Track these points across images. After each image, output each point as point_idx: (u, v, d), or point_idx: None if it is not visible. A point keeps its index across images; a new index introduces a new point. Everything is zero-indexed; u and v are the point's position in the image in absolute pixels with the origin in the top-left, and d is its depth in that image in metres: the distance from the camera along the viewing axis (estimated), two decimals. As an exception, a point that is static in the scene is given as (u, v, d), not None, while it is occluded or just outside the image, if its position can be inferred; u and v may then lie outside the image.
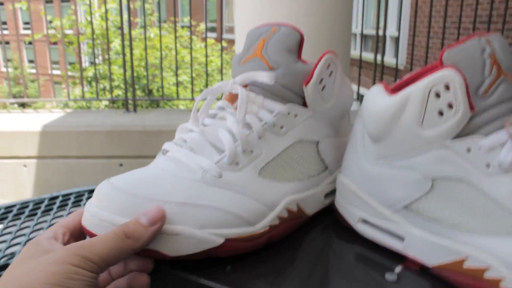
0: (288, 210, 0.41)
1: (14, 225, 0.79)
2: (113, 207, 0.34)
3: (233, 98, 0.42)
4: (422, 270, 0.37)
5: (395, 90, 0.40)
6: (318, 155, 0.45)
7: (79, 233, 0.37)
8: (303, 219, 0.44)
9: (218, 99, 0.44)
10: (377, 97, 0.39)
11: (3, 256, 0.68)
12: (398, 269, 0.37)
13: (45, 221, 0.80)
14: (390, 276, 0.36)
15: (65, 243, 0.35)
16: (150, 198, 0.35)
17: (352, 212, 0.42)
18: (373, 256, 0.39)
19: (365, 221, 0.41)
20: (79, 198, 0.90)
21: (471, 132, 0.34)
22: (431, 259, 0.36)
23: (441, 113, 0.34)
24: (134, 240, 0.32)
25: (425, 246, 0.36)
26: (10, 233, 0.76)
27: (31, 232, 0.76)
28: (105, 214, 0.34)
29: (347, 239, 0.42)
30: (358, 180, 0.41)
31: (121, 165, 2.43)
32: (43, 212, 0.84)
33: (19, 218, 0.81)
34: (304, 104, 0.43)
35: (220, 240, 0.36)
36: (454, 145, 0.34)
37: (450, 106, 0.33)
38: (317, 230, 0.44)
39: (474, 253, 0.33)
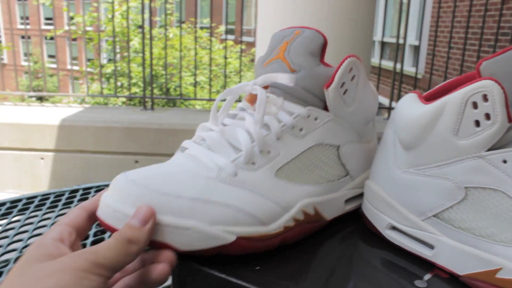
0: (304, 213, 0.41)
1: (36, 216, 0.80)
2: (126, 199, 0.35)
3: (253, 99, 0.43)
4: (451, 279, 0.37)
5: (428, 98, 0.40)
6: (339, 159, 0.45)
7: (83, 231, 0.37)
8: (321, 223, 0.44)
9: (238, 100, 0.45)
10: (411, 105, 0.39)
11: (26, 246, 0.69)
12: (427, 276, 0.37)
13: (66, 213, 0.81)
14: (420, 284, 0.36)
15: (72, 243, 0.35)
16: (163, 191, 0.35)
17: (381, 218, 0.42)
18: (400, 263, 0.39)
19: (393, 228, 0.41)
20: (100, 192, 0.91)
21: (508, 143, 0.34)
22: (461, 268, 0.36)
23: (477, 124, 0.34)
24: (136, 244, 0.33)
25: (456, 255, 0.36)
26: (32, 223, 0.77)
27: (52, 224, 0.77)
28: (119, 205, 0.35)
29: (374, 245, 0.42)
30: (388, 187, 0.41)
31: (136, 161, 2.45)
32: (64, 204, 0.85)
33: (41, 209, 0.82)
34: (326, 108, 0.43)
35: (232, 238, 0.36)
36: (489, 155, 0.34)
37: (488, 117, 0.33)
38: (342, 235, 0.45)
39: (508, 264, 0.33)
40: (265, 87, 0.43)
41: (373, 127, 0.50)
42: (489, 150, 0.34)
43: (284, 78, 0.41)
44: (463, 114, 0.34)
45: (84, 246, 0.68)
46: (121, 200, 0.35)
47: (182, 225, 0.35)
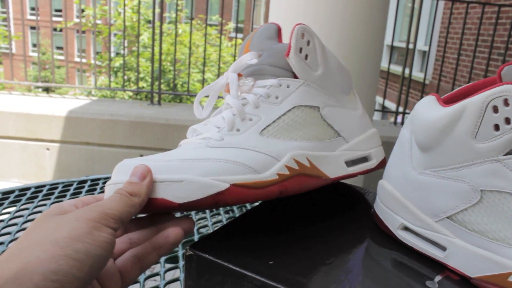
0: (297, 162, 0.42)
1: (44, 204, 0.80)
2: (125, 171, 0.38)
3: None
4: (462, 281, 0.37)
5: (447, 102, 0.40)
6: (323, 120, 0.47)
7: None
8: (323, 179, 0.45)
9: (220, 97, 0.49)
10: (429, 107, 0.39)
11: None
12: (437, 278, 0.37)
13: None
14: (430, 285, 0.36)
15: None
16: (155, 159, 0.38)
17: (393, 218, 0.42)
18: (411, 263, 0.39)
19: (406, 228, 0.41)
20: (108, 184, 0.92)
21: (526, 148, 0.34)
22: (473, 270, 0.36)
23: (497, 128, 0.34)
24: (137, 196, 0.35)
25: (468, 257, 0.36)
26: (40, 212, 0.78)
27: (61, 213, 0.77)
28: (118, 178, 0.38)
29: (386, 245, 0.42)
30: (402, 187, 0.41)
31: (141, 155, 2.46)
32: (72, 194, 0.86)
33: (49, 198, 0.83)
34: (296, 78, 0.46)
35: (225, 185, 0.37)
36: (507, 160, 0.34)
37: (508, 121, 0.33)
38: (355, 234, 0.45)
39: (521, 269, 0.33)
40: (239, 76, 0.47)
41: (356, 99, 0.53)
42: (506, 154, 0.34)
43: (247, 57, 0.46)
44: (482, 118, 0.34)
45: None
46: (120, 174, 0.38)
47: (175, 178, 0.37)
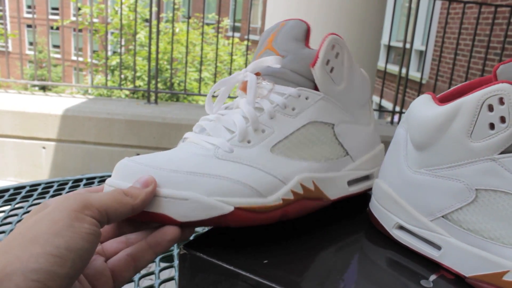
0: (303, 187, 0.41)
1: (39, 203, 0.80)
2: (127, 176, 0.37)
3: (246, 86, 0.44)
4: (457, 280, 0.37)
5: (443, 100, 0.40)
6: (335, 138, 0.45)
7: None
8: (323, 201, 0.44)
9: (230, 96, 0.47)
10: (425, 106, 0.39)
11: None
12: (432, 277, 0.37)
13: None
14: (425, 284, 0.36)
15: None
16: (160, 167, 0.37)
17: (389, 217, 0.42)
18: (406, 262, 0.39)
19: (401, 227, 0.41)
20: (103, 183, 0.92)
21: (521, 147, 0.34)
22: (468, 270, 0.36)
23: (492, 126, 0.34)
24: (132, 198, 0.34)
25: (463, 256, 0.36)
26: (35, 210, 0.77)
27: (56, 212, 0.77)
28: (120, 182, 0.37)
29: (381, 244, 0.42)
30: (397, 186, 0.41)
31: (138, 154, 2.46)
32: (67, 193, 0.85)
33: (44, 197, 0.83)
34: (316, 89, 0.44)
35: (229, 208, 0.36)
36: (502, 158, 0.34)
37: (503, 120, 0.33)
38: (351, 233, 0.45)
39: (516, 268, 0.33)
40: (257, 74, 0.44)
41: (370, 111, 0.51)
42: (502, 153, 0.34)
43: (270, 60, 0.43)
44: (478, 116, 0.34)
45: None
46: (123, 178, 0.37)
47: (179, 195, 0.35)
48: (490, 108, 0.34)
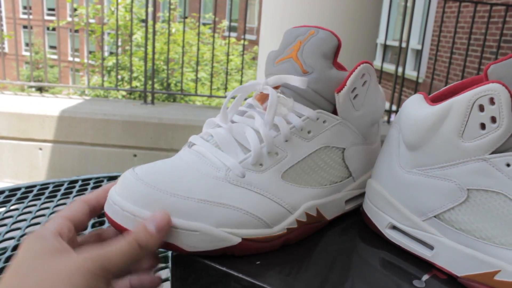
0: (307, 215, 0.42)
1: (34, 205, 0.80)
2: (134, 198, 0.35)
3: (263, 97, 0.43)
4: (449, 280, 0.37)
5: (434, 100, 0.40)
6: (343, 161, 0.45)
7: (82, 225, 0.37)
8: (321, 223, 0.44)
9: (246, 98, 0.45)
10: (417, 106, 0.39)
11: (23, 234, 0.69)
12: (425, 277, 0.37)
13: (65, 203, 0.81)
14: (418, 284, 0.36)
15: (70, 239, 0.34)
16: (171, 192, 0.36)
17: (381, 217, 0.42)
18: (399, 262, 0.39)
19: (394, 227, 0.41)
20: (98, 184, 0.91)
21: (512, 147, 0.34)
22: (460, 269, 0.36)
23: (483, 126, 0.34)
24: (146, 250, 0.33)
25: (455, 256, 0.36)
26: (30, 212, 0.77)
27: (51, 213, 0.77)
28: (128, 205, 0.35)
29: (374, 244, 0.42)
30: (390, 187, 0.41)
31: (135, 155, 2.45)
32: (63, 194, 0.85)
33: (39, 199, 0.82)
34: (334, 111, 0.43)
35: (237, 240, 0.37)
36: (493, 158, 0.34)
37: (493, 120, 0.33)
38: (344, 233, 0.45)
39: (507, 267, 0.33)
40: (276, 87, 0.43)
41: (378, 128, 0.50)
42: (493, 153, 0.34)
43: (296, 81, 0.41)
44: (469, 117, 0.34)
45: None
46: (130, 199, 0.35)
47: (190, 227, 0.35)
48: (481, 108, 0.34)
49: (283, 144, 0.41)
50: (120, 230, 0.35)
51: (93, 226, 0.73)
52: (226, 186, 0.38)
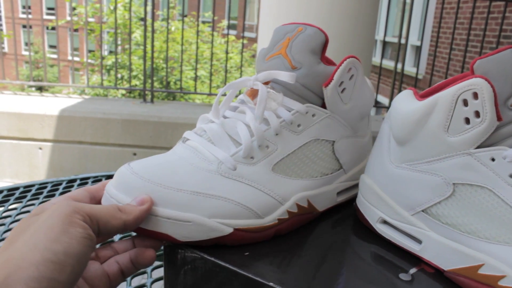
0: (298, 206, 0.42)
1: (33, 204, 0.80)
2: (130, 190, 0.37)
3: (254, 93, 0.44)
4: (436, 274, 0.37)
5: (424, 96, 0.41)
6: (333, 154, 0.46)
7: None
8: (313, 214, 0.45)
9: (237, 95, 0.46)
10: (405, 101, 0.39)
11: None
12: (412, 270, 0.37)
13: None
14: (404, 277, 0.36)
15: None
16: (165, 185, 0.37)
17: (373, 212, 0.43)
18: (389, 256, 0.40)
19: (384, 222, 0.42)
20: (97, 183, 0.92)
21: (497, 141, 0.34)
22: (446, 263, 0.36)
23: (467, 121, 0.34)
24: (126, 214, 0.35)
25: (442, 250, 0.37)
26: (28, 211, 0.78)
27: (49, 212, 0.77)
28: (122, 197, 0.37)
29: (365, 238, 0.43)
30: (381, 181, 0.42)
31: (134, 154, 2.46)
32: (62, 193, 0.86)
33: (38, 198, 0.83)
34: (323, 104, 0.44)
35: (229, 230, 0.38)
36: (478, 153, 0.34)
37: (477, 114, 0.34)
38: (334, 225, 0.45)
39: (490, 261, 0.33)
40: (266, 82, 0.44)
41: (368, 122, 0.51)
42: (478, 147, 0.34)
43: (285, 76, 0.42)
44: (453, 111, 0.35)
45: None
46: (125, 192, 0.37)
47: (183, 218, 0.36)
48: (465, 103, 0.34)
49: (273, 137, 0.42)
50: None
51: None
52: (218, 179, 0.39)
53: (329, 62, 0.46)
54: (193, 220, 0.36)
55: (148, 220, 0.36)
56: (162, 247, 0.62)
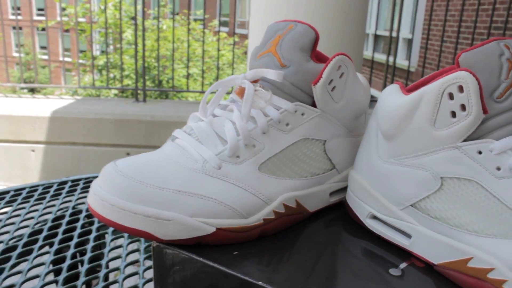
0: (285, 206, 0.42)
1: (23, 207, 0.80)
2: (113, 188, 0.37)
3: (242, 91, 0.43)
4: (427, 268, 0.37)
5: (410, 90, 0.40)
6: (325, 153, 0.45)
7: None
8: (303, 214, 0.44)
9: (229, 92, 0.45)
10: (392, 96, 0.39)
11: (12, 238, 0.69)
12: (403, 265, 0.37)
13: (54, 205, 0.81)
14: (394, 272, 0.36)
15: None
16: (147, 183, 0.37)
17: (362, 207, 0.43)
18: (379, 251, 0.40)
19: (374, 217, 0.42)
20: (88, 185, 0.91)
21: (484, 134, 0.34)
22: (436, 257, 0.36)
23: (453, 114, 0.34)
24: None
25: (431, 244, 0.37)
26: (19, 215, 0.77)
27: (40, 216, 0.77)
28: (106, 194, 0.37)
29: (355, 233, 0.43)
30: (369, 177, 0.42)
31: (128, 154, 2.45)
32: (52, 196, 0.85)
33: (28, 201, 0.82)
34: (314, 104, 0.44)
35: (211, 229, 0.37)
36: (465, 146, 0.34)
37: (463, 108, 0.34)
38: (324, 223, 0.45)
39: (479, 254, 0.33)
40: (255, 81, 0.43)
41: (364, 120, 0.50)
42: (464, 141, 0.34)
43: (272, 74, 0.42)
44: (439, 105, 0.35)
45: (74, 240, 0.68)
46: (108, 190, 0.37)
47: (164, 216, 0.36)
48: (451, 97, 0.34)
49: (260, 136, 0.41)
50: (99, 218, 0.37)
51: (82, 226, 0.73)
52: (202, 178, 0.38)
53: (321, 59, 0.46)
54: (174, 219, 0.36)
55: (130, 218, 0.36)
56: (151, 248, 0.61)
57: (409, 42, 5.98)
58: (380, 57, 5.44)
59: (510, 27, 3.80)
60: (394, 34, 2.97)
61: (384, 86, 3.07)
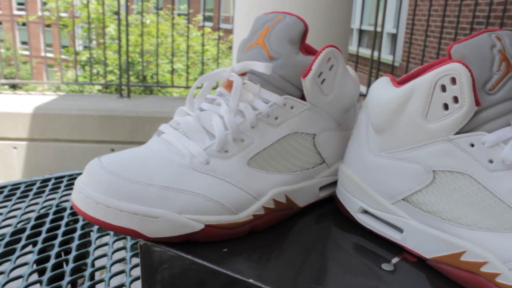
0: (275, 201, 0.41)
1: (5, 206, 0.78)
2: (98, 185, 0.35)
3: (230, 85, 0.42)
4: (419, 262, 0.37)
5: (401, 82, 0.40)
6: (314, 147, 0.45)
7: None
8: (293, 210, 0.44)
9: (215, 87, 0.44)
10: (383, 89, 0.39)
11: (-6, 236, 0.67)
12: (395, 260, 0.37)
13: (37, 203, 0.79)
14: (387, 267, 0.36)
15: None
16: (134, 180, 0.36)
17: (353, 202, 0.42)
18: (370, 246, 0.39)
19: (365, 211, 0.41)
20: (72, 182, 0.90)
21: (476, 127, 0.34)
22: (428, 252, 0.36)
23: (446, 107, 0.34)
24: None
25: (423, 238, 0.36)
26: (0, 214, 0.75)
27: (22, 214, 0.75)
28: (91, 192, 0.35)
29: (346, 228, 0.42)
30: (360, 171, 0.41)
31: (112, 150, 2.42)
32: (35, 194, 0.83)
33: (10, 199, 0.80)
34: (303, 97, 0.43)
35: (200, 226, 0.36)
36: (457, 139, 0.34)
37: (456, 100, 0.33)
38: (315, 218, 0.44)
39: (472, 248, 0.33)
40: (243, 73, 0.43)
41: (354, 114, 0.50)
42: (457, 133, 0.34)
43: (261, 67, 0.41)
44: (432, 97, 0.34)
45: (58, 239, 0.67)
46: (93, 187, 0.36)
47: (151, 214, 0.35)
48: (443, 89, 0.34)
49: (249, 130, 0.40)
50: (84, 216, 0.36)
51: (66, 225, 0.71)
52: (190, 173, 0.37)
53: (310, 51, 0.45)
54: (161, 216, 0.35)
55: (116, 215, 0.35)
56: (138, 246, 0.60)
57: (394, 37, 6.02)
58: (365, 51, 5.47)
59: (492, 22, 3.85)
60: (378, 29, 2.98)
61: (369, 80, 3.08)
